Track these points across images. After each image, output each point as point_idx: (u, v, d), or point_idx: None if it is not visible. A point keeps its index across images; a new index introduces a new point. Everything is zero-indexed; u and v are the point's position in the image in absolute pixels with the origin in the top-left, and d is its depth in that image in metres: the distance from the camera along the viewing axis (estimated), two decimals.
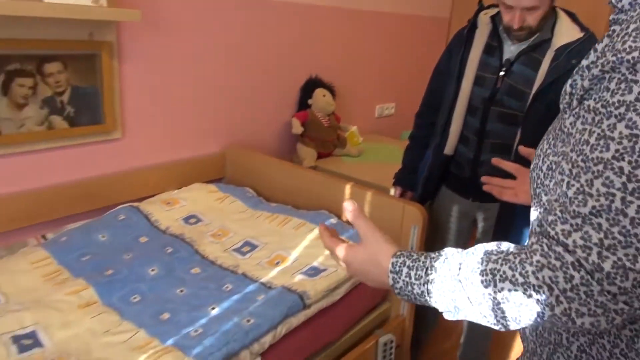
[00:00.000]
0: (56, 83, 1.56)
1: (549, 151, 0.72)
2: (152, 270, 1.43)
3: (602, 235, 0.56)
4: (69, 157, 1.67)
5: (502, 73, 1.50)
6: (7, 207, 1.53)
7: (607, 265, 0.56)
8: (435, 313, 1.95)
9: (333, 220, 1.71)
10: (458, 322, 2.38)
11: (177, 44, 1.88)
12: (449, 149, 1.64)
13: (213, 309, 1.27)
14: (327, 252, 1.54)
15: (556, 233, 0.60)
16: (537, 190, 0.75)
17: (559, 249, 0.59)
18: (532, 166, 0.78)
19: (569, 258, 0.58)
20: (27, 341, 1.14)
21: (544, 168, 0.73)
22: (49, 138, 1.59)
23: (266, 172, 2.00)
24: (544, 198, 0.70)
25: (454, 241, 1.78)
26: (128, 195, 1.82)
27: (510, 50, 1.50)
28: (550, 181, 0.70)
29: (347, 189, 1.76)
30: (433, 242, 1.82)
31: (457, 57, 1.60)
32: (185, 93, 1.96)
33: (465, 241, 1.80)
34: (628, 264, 0.55)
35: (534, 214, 0.76)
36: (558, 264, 0.58)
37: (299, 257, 1.54)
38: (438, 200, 1.79)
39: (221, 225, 1.72)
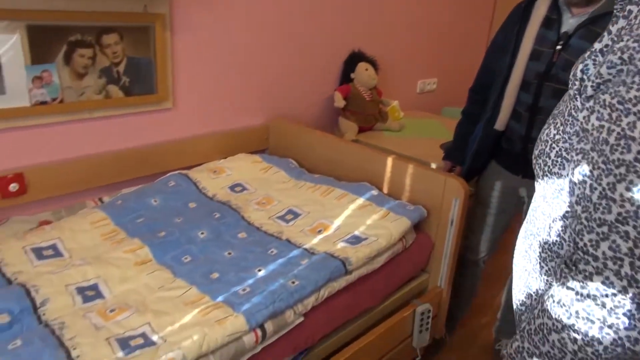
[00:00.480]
0: (113, 54, 1.64)
1: (557, 137, 0.69)
2: (202, 233, 1.51)
3: (631, 244, 0.52)
4: (124, 125, 1.76)
5: (559, 47, 1.47)
6: (68, 171, 1.63)
7: None
8: (471, 290, 1.97)
9: (374, 192, 1.74)
10: (494, 298, 2.40)
11: (226, 17, 1.93)
12: (500, 124, 1.63)
13: (259, 270, 1.34)
14: (368, 221, 1.58)
15: (584, 244, 0.57)
16: (544, 178, 0.72)
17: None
18: (537, 152, 0.75)
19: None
20: (90, 292, 1.24)
21: (552, 155, 0.69)
22: (106, 106, 1.68)
23: (308, 144, 2.05)
24: (552, 185, 0.68)
25: (495, 218, 1.78)
26: (177, 163, 1.91)
27: (570, 22, 1.46)
28: (559, 169, 0.67)
29: (389, 161, 1.78)
30: (474, 217, 1.83)
31: (513, 31, 1.57)
32: (232, 66, 2.01)
33: (507, 219, 1.79)
34: None
35: (538, 200, 0.74)
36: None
37: (341, 226, 1.58)
38: (485, 175, 1.79)
39: (265, 194, 1.78)
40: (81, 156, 1.68)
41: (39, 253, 1.34)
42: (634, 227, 0.51)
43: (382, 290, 1.54)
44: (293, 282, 1.27)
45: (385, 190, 1.82)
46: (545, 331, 0.64)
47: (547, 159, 0.70)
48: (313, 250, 1.44)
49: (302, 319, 1.28)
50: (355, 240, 1.49)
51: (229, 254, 1.43)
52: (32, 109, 1.52)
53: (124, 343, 1.05)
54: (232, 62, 2.01)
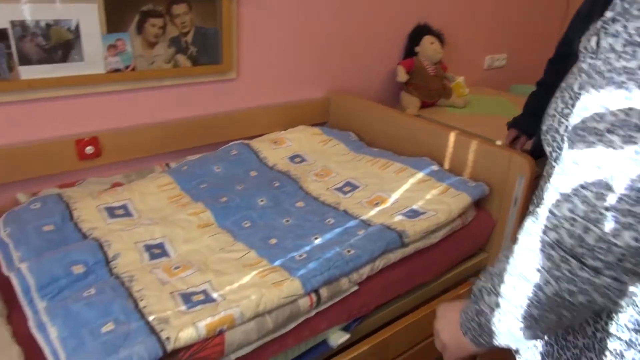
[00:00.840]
0: (182, 24, 1.68)
1: (566, 111, 0.66)
2: (261, 200, 1.55)
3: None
4: (190, 94, 1.82)
5: None
6: (138, 137, 1.72)
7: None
8: None
9: (434, 167, 1.71)
10: None
11: None
12: None
13: (316, 238, 1.36)
14: (427, 196, 1.56)
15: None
16: (554, 154, 0.70)
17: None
18: (545, 127, 0.72)
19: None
20: (156, 250, 1.31)
21: (561, 130, 0.67)
22: (174, 75, 1.74)
23: (369, 117, 2.03)
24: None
25: None
26: (239, 133, 1.95)
27: None
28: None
29: (451, 137, 1.74)
30: (540, 197, 1.75)
31: (601, 1, 1.47)
32: (295, 38, 2.02)
33: None
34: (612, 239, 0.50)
35: (547, 177, 0.71)
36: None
37: (398, 199, 1.57)
38: None
39: (324, 165, 1.79)
40: (150, 123, 1.75)
41: (111, 212, 1.43)
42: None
43: (439, 266, 1.52)
44: (349, 251, 1.28)
45: (446, 166, 1.78)
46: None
47: (556, 134, 0.68)
48: (370, 222, 1.45)
49: (356, 287, 1.29)
50: (413, 214, 1.48)
51: (287, 221, 1.46)
52: (106, 75, 1.60)
53: (187, 298, 1.11)
54: (296, 34, 2.02)
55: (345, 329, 1.29)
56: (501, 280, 0.63)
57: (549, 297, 0.57)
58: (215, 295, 1.13)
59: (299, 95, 2.14)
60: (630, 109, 0.50)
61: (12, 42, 1.40)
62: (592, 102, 0.54)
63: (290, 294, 1.14)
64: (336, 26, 2.13)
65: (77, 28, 1.49)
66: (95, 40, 1.54)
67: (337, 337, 1.26)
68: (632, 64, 0.51)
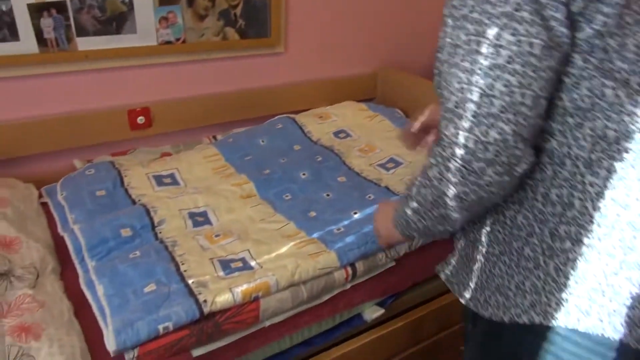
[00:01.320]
0: None
1: None
2: (303, 174, 1.56)
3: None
4: (238, 67, 1.84)
5: None
6: (187, 109, 1.76)
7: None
8: None
9: None
10: None
11: None
12: None
13: (355, 213, 1.36)
14: None
15: None
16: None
17: None
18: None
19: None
20: (200, 218, 1.35)
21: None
22: (223, 48, 1.76)
23: (417, 94, 1.98)
24: None
25: None
26: (285, 107, 1.96)
27: None
28: None
29: None
30: None
31: None
32: (344, 12, 1.99)
33: None
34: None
35: None
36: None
37: None
38: None
39: (368, 141, 1.78)
40: (198, 95, 1.79)
41: (159, 180, 1.49)
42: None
43: None
44: None
45: None
46: None
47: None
48: None
49: (393, 263, 1.29)
50: None
51: (328, 195, 1.46)
52: (158, 47, 1.64)
53: (225, 264, 1.14)
54: (344, 9, 1.98)
55: (380, 305, 1.29)
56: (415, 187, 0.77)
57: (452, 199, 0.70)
58: (252, 263, 1.16)
59: (347, 70, 2.11)
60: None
61: (71, 14, 1.46)
62: None
63: (325, 266, 1.16)
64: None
65: (130, 0, 1.53)
66: (147, 12, 1.58)
67: (372, 312, 1.27)
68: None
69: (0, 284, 1.11)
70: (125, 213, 1.31)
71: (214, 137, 1.83)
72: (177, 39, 1.67)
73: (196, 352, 1.03)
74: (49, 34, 1.44)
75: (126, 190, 1.43)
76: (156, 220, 1.31)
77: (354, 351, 1.23)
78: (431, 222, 0.76)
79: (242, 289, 1.05)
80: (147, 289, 1.05)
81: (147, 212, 1.32)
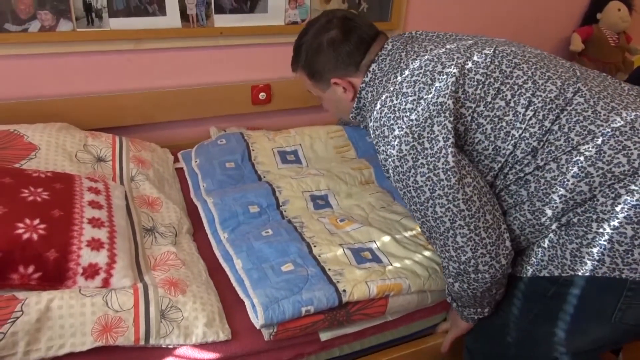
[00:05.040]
0: None
1: None
2: None
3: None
4: None
5: None
6: (303, 87, 1.79)
7: None
8: None
9: None
10: None
11: None
12: None
13: None
14: None
15: None
16: None
17: None
18: None
19: None
20: (320, 201, 1.40)
21: None
22: None
23: None
24: None
25: None
26: None
27: None
28: None
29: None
30: None
31: None
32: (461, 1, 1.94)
33: None
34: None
35: None
36: None
37: None
38: None
39: None
40: None
41: (283, 157, 1.54)
42: None
43: None
44: None
45: None
46: None
47: None
48: None
49: None
50: None
51: None
52: (285, 27, 1.68)
53: (356, 253, 1.18)
54: None
55: None
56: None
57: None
58: (381, 256, 1.18)
59: None
60: None
61: None
62: None
63: None
64: None
65: None
66: None
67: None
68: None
69: (147, 238, 1.22)
70: (253, 189, 1.37)
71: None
72: (303, 20, 1.69)
73: (324, 336, 1.09)
74: (191, 10, 1.51)
75: (253, 165, 1.49)
76: (281, 200, 1.36)
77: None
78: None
79: (377, 284, 1.08)
80: (284, 268, 1.11)
81: (273, 191, 1.38)
